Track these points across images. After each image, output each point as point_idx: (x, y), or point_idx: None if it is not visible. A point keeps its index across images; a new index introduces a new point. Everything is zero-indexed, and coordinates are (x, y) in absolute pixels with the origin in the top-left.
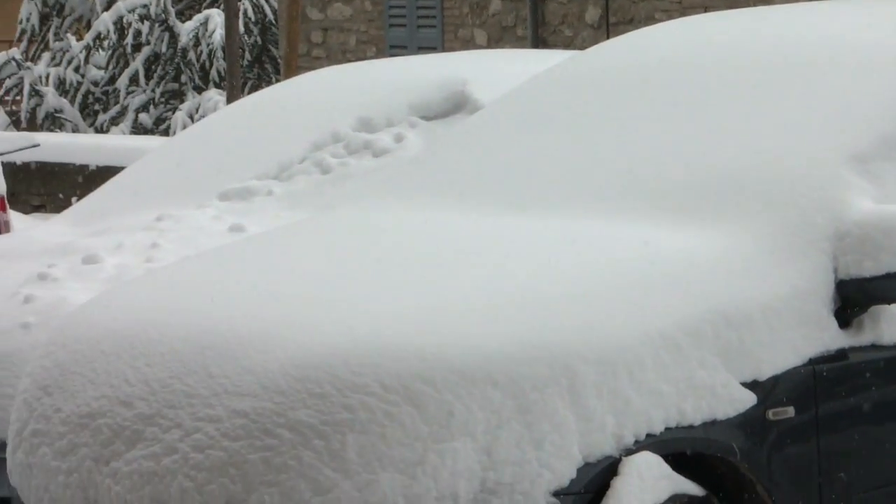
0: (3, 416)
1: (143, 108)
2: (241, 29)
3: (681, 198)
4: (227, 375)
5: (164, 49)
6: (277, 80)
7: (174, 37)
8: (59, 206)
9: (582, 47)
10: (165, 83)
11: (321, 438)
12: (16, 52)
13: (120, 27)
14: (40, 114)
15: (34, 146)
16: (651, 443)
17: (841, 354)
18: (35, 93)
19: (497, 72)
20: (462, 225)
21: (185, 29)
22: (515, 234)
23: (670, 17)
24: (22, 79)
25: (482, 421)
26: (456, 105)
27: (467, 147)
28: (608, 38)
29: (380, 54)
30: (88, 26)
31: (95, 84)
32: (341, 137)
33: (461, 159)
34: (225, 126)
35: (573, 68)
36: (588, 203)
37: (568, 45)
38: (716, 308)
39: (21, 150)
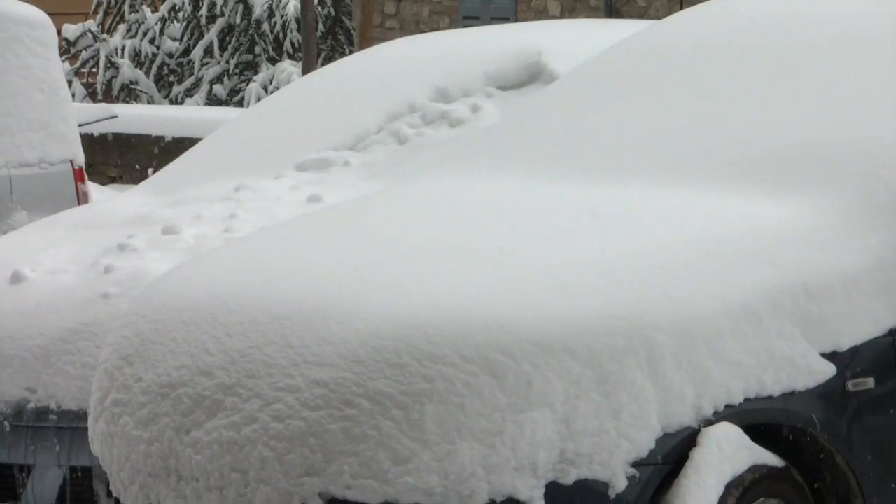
0: (85, 386)
1: (218, 79)
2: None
3: (761, 168)
4: (306, 345)
5: (238, 20)
6: (351, 52)
7: (248, 8)
8: (136, 177)
9: (656, 17)
10: (239, 55)
11: (400, 408)
12: (92, 24)
13: None
14: (116, 85)
15: (112, 117)
16: (730, 413)
17: None
18: (111, 65)
19: (572, 42)
20: (539, 195)
21: (259, 0)
22: (592, 203)
23: None
24: (98, 51)
25: (561, 391)
26: (532, 75)
27: (544, 117)
28: (681, 8)
29: (453, 25)
30: None
31: (170, 56)
32: (418, 108)
33: (538, 129)
34: (301, 97)
35: (651, 38)
36: (667, 174)
37: (641, 14)
38: (795, 279)
39: (99, 121)
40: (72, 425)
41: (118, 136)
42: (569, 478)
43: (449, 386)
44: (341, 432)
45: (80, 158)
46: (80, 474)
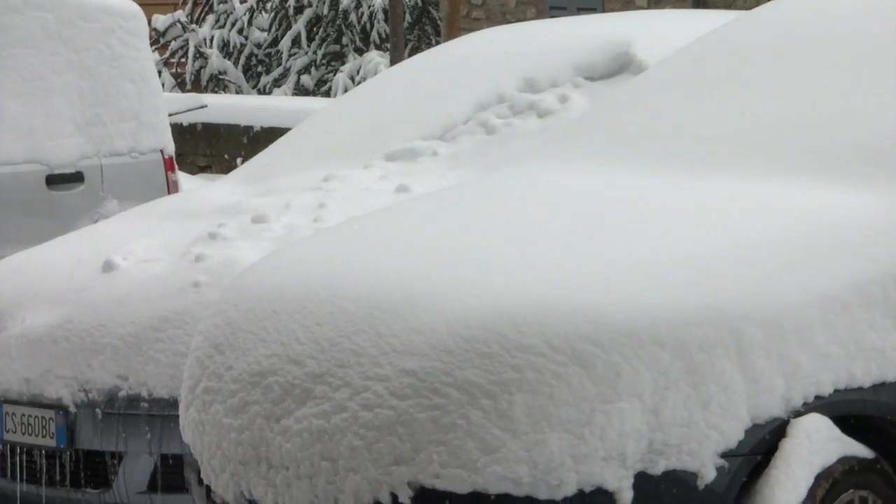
0: (176, 374)
1: (305, 69)
2: None
3: (850, 160)
4: (395, 335)
5: (325, 11)
6: (437, 42)
7: None
8: (225, 166)
9: (743, 8)
10: (327, 45)
11: (489, 398)
12: (181, 14)
13: None
14: (205, 76)
15: (201, 107)
16: (820, 405)
17: None
18: (199, 55)
19: (661, 32)
20: (627, 186)
21: None
22: (682, 195)
23: None
24: (187, 41)
25: (649, 382)
26: (620, 66)
27: (633, 108)
28: None
29: (539, 15)
30: None
31: (258, 46)
32: (506, 98)
33: (627, 120)
34: (389, 87)
35: (739, 29)
36: (756, 165)
37: (729, 5)
38: (886, 270)
39: (189, 111)
40: (163, 413)
41: (207, 126)
42: (657, 468)
43: (538, 376)
44: (430, 421)
45: (170, 148)
46: (170, 462)
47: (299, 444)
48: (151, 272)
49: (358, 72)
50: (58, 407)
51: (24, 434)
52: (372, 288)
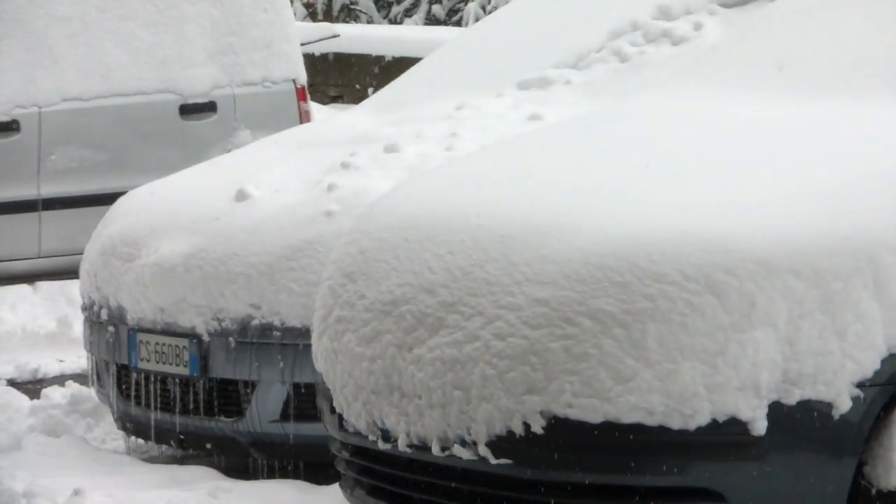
0: (308, 303)
1: None
2: None
3: None
4: (527, 263)
5: None
6: None
7: None
8: (356, 96)
9: None
10: None
11: (622, 327)
12: None
13: None
14: (336, 6)
15: (334, 37)
16: None
17: None
18: None
19: None
20: (762, 114)
21: None
22: (818, 121)
23: None
24: None
25: (784, 311)
26: None
27: (768, 34)
28: None
29: None
30: None
31: None
32: (639, 26)
33: (761, 47)
34: (521, 16)
35: None
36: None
37: None
38: None
39: (321, 40)
40: (295, 342)
41: (339, 56)
42: (792, 398)
43: (671, 305)
44: (562, 351)
45: (303, 77)
46: (303, 391)
47: (431, 373)
48: (284, 201)
49: (489, 1)
50: (191, 336)
51: (157, 363)
52: (504, 216)
